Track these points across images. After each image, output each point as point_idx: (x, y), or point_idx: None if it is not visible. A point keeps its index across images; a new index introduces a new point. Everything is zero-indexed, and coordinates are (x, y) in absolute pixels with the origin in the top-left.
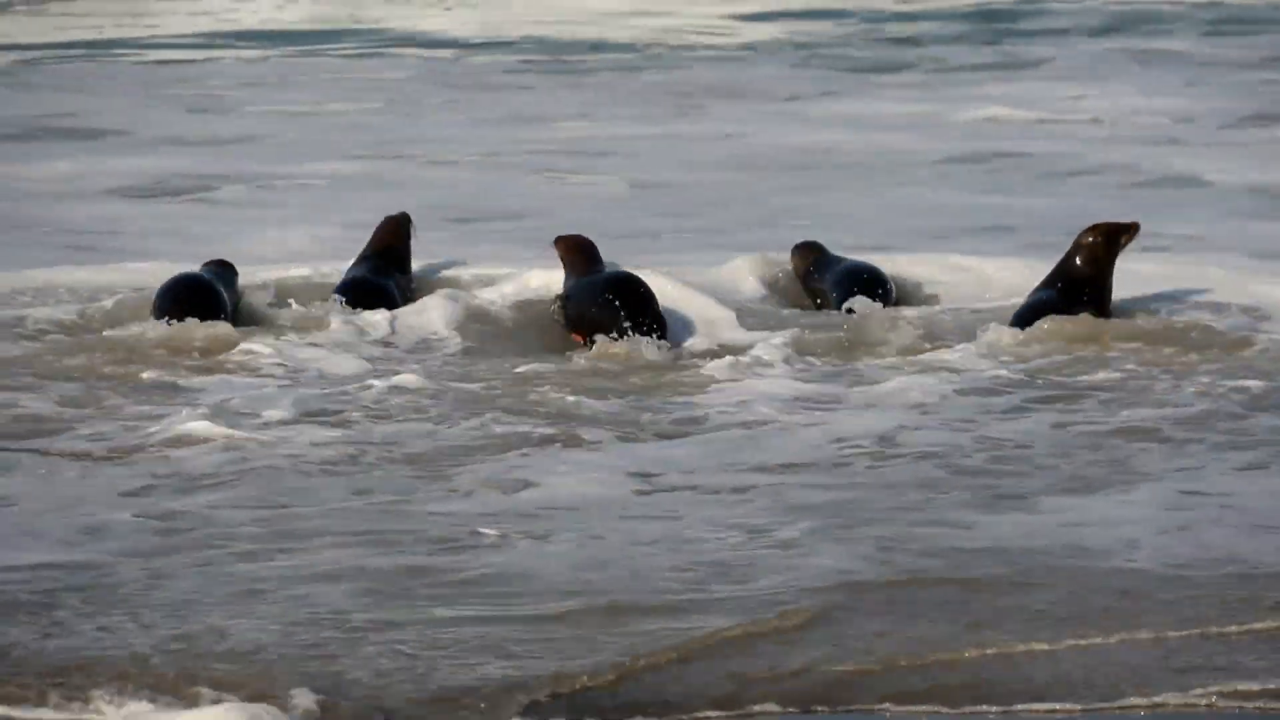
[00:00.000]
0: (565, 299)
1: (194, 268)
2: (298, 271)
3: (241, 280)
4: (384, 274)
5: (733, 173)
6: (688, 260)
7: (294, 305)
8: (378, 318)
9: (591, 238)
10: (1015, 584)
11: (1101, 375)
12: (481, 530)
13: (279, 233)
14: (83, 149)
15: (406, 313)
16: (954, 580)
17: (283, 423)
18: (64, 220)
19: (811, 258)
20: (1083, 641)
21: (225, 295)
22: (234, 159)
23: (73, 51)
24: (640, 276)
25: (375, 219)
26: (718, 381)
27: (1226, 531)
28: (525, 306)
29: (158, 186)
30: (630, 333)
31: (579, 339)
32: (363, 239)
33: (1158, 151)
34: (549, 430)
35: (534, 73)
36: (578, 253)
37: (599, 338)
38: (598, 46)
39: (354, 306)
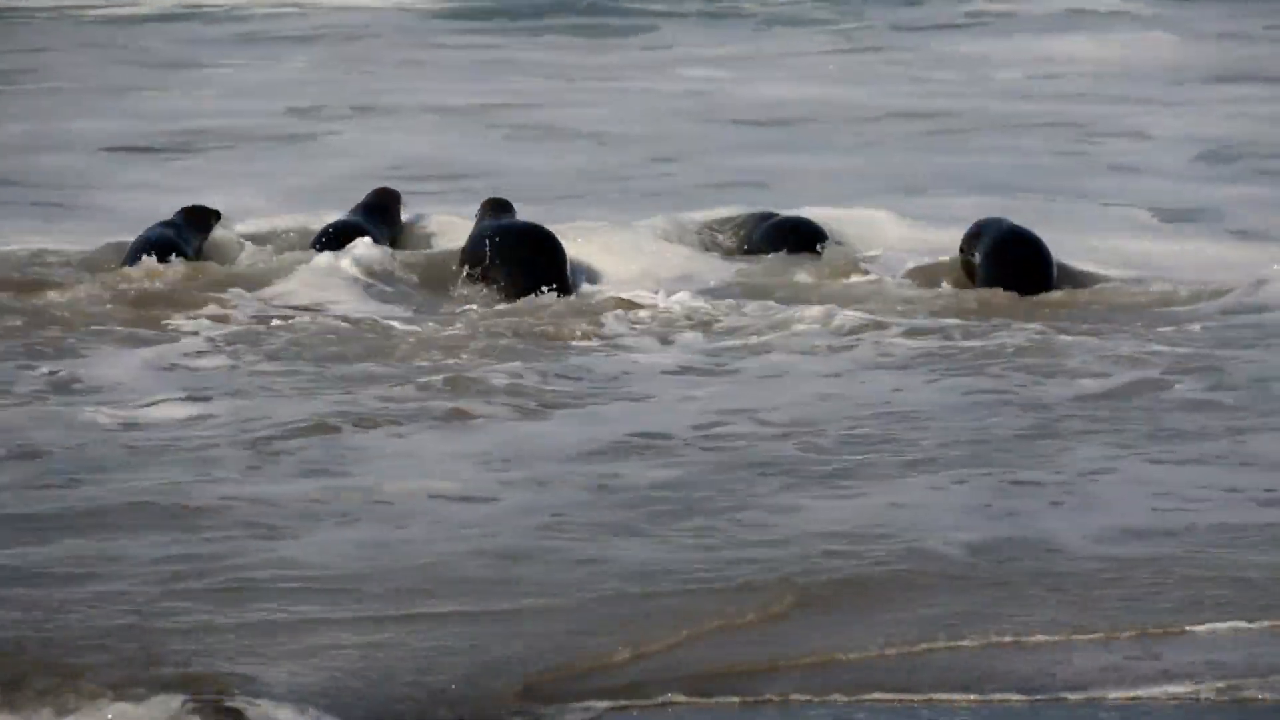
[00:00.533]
0: (466, 249)
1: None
2: (260, 223)
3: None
4: (371, 222)
5: (685, 128)
6: (626, 216)
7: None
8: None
9: (542, 194)
10: (804, 574)
11: (1009, 345)
12: (294, 518)
13: (242, 189)
14: (42, 107)
15: (321, 269)
16: (750, 575)
17: (144, 388)
18: (29, 177)
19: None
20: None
21: (185, 249)
22: (198, 116)
23: (33, 5)
24: (544, 228)
25: (334, 177)
26: (617, 345)
27: (1051, 517)
28: (437, 262)
29: (118, 144)
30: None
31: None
32: (326, 196)
33: (1105, 108)
34: (426, 402)
35: (492, 32)
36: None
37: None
38: (556, 5)
39: (338, 248)
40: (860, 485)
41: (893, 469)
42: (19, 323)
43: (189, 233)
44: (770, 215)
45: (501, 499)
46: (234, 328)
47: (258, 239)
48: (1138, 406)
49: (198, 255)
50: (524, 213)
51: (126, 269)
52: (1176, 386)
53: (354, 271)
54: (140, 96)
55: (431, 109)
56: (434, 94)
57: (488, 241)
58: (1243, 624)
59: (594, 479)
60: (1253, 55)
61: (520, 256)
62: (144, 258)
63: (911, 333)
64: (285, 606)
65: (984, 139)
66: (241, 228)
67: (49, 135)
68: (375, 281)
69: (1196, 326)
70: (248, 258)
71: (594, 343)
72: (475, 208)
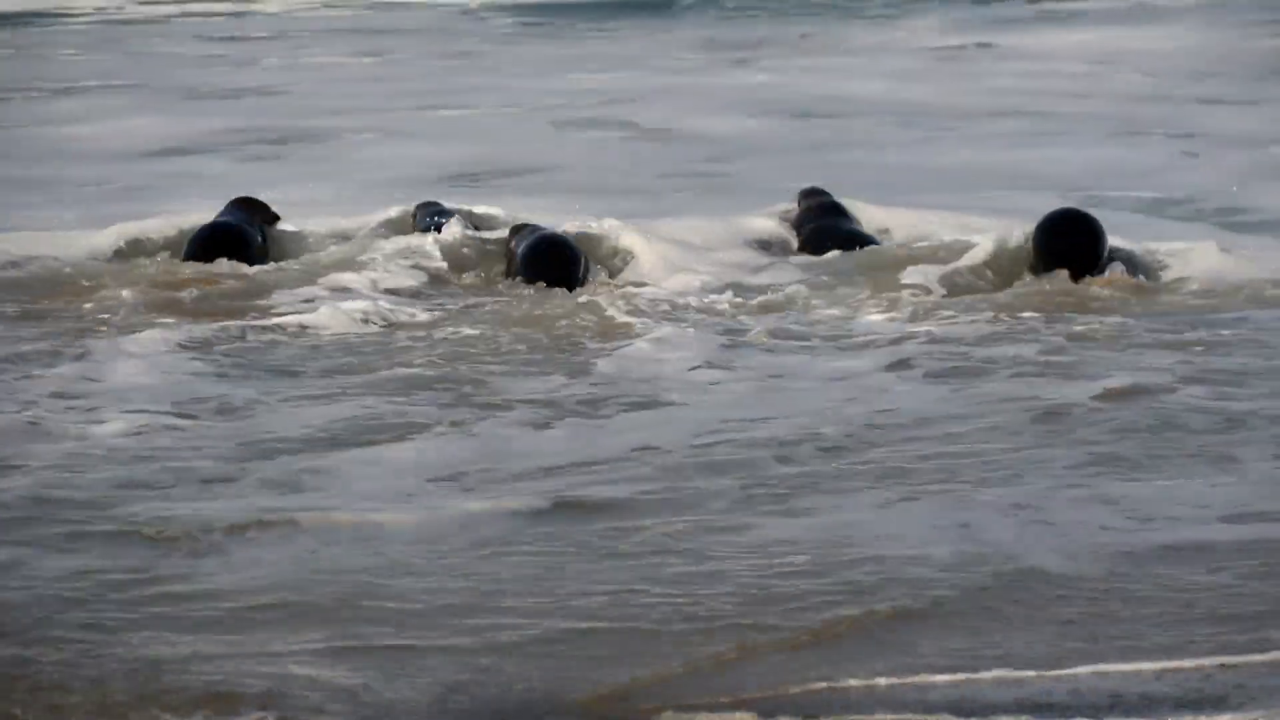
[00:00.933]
0: (510, 251)
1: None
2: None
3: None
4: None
5: (762, 123)
6: (683, 214)
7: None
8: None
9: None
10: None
11: (1018, 350)
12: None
13: (309, 185)
14: (108, 107)
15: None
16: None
17: (140, 398)
18: (102, 177)
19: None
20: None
21: (253, 241)
22: (261, 113)
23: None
24: (567, 241)
25: (403, 173)
26: (640, 350)
27: (1003, 533)
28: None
29: (188, 144)
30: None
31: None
32: (393, 193)
33: (1172, 105)
34: (432, 408)
35: (560, 26)
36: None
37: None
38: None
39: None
40: (819, 499)
41: (868, 481)
42: (39, 325)
43: (251, 222)
44: (823, 202)
45: (465, 515)
46: (256, 331)
47: (323, 235)
48: (1139, 417)
49: (264, 245)
50: (586, 205)
51: (174, 264)
52: (1188, 397)
53: (420, 262)
54: (197, 97)
55: (495, 104)
56: (498, 90)
57: (521, 263)
58: (1150, 665)
59: (562, 496)
60: None
61: (546, 275)
62: (201, 255)
63: (937, 339)
64: (222, 627)
65: (1046, 136)
66: (311, 225)
67: (106, 136)
68: (429, 275)
69: (1232, 333)
70: (313, 250)
71: (619, 346)
72: (533, 200)
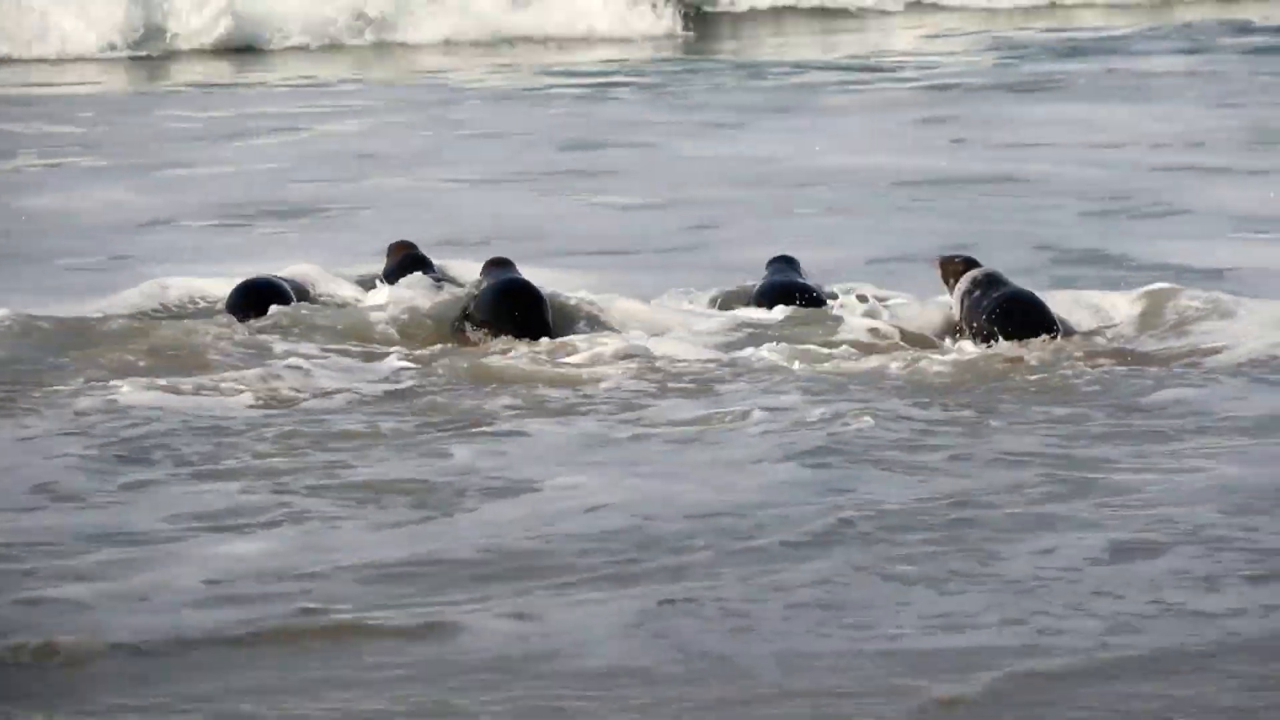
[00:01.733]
0: (471, 300)
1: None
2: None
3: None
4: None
5: (742, 191)
6: (654, 284)
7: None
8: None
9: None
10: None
11: (926, 438)
12: None
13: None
14: (103, 178)
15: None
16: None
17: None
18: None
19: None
20: None
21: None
22: (277, 185)
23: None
24: (530, 285)
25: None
26: (535, 427)
27: (710, 639)
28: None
29: (202, 213)
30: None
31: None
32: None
33: (1155, 176)
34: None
35: (555, 94)
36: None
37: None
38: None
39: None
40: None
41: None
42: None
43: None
44: (782, 267)
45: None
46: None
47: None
48: (968, 516)
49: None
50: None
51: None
52: (1038, 487)
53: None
54: (185, 169)
55: (488, 169)
56: (494, 156)
57: (476, 301)
58: None
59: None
60: None
61: (503, 313)
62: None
63: (832, 417)
64: None
65: (1027, 207)
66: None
67: (136, 206)
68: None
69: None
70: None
71: (519, 421)
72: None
